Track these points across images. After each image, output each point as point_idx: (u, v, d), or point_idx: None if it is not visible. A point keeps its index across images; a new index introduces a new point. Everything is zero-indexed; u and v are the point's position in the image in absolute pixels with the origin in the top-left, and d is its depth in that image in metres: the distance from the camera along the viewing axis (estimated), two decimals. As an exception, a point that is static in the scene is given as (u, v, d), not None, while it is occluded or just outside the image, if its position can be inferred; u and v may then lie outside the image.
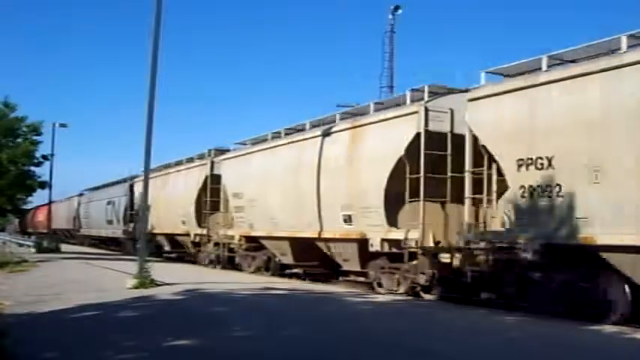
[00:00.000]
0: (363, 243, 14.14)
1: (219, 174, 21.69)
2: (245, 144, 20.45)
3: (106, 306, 10.35)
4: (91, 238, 40.88)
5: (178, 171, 25.21)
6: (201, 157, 23.76)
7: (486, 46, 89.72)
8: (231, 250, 20.84)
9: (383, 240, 13.42)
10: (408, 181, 12.87)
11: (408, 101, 13.54)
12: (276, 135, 18.59)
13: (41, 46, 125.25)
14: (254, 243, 19.29)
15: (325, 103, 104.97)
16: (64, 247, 35.08)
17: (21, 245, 37.08)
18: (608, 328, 8.79)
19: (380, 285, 14.13)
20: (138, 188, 29.67)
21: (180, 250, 26.63)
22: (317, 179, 15.42)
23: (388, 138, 13.41)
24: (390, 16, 38.28)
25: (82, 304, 10.51)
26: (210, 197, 21.79)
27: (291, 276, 18.09)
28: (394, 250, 13.45)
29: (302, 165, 16.21)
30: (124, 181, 33.06)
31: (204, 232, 22.21)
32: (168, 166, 27.21)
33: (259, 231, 18.38)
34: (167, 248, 27.38)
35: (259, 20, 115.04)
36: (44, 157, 29.22)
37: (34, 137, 27.40)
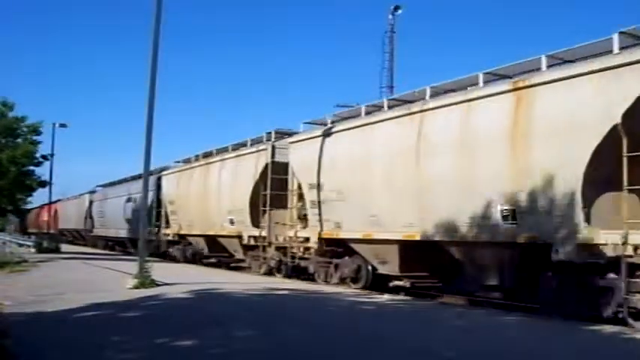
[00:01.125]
0: (533, 249, 10.15)
1: (283, 161, 17.63)
2: (322, 124, 16.35)
3: (106, 306, 10.15)
4: (106, 240, 36.52)
5: (223, 160, 21.00)
6: (257, 141, 19.63)
7: (486, 47, 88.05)
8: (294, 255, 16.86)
9: (579, 246, 9.38)
10: (625, 161, 8.89)
11: (616, 48, 9.49)
12: (374, 108, 14.55)
13: (41, 45, 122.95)
14: (337, 247, 15.24)
15: (325, 103, 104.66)
16: (64, 247, 34.13)
17: (21, 245, 36.34)
18: (609, 329, 8.50)
19: (552, 308, 10.04)
20: (167, 182, 25.71)
21: (222, 255, 22.52)
22: (456, 160, 11.41)
23: (590, 99, 9.36)
24: (390, 16, 37.67)
25: (83, 304, 10.28)
26: (272, 190, 17.72)
27: (397, 290, 14.00)
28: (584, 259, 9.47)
29: (425, 143, 12.14)
30: (150, 173, 28.85)
31: (264, 233, 18.09)
32: (208, 155, 23.07)
33: (351, 232, 14.30)
34: (204, 252, 23.22)
35: (258, 20, 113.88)
36: (44, 157, 29.10)
37: (34, 137, 27.37)
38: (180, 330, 7.86)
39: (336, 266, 15.30)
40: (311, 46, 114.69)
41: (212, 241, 22.11)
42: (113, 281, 14.59)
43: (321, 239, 15.41)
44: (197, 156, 23.95)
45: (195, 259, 23.96)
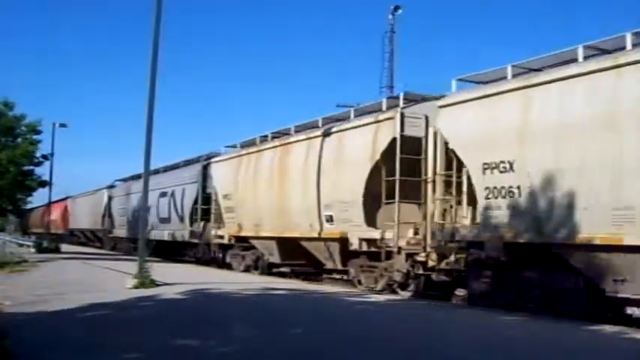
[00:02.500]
0: None
1: (414, 136, 12.74)
2: (495, 79, 11.34)
3: (106, 306, 10.03)
4: (130, 242, 31.02)
5: (312, 138, 15.96)
6: (364, 111, 14.61)
7: (486, 46, 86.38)
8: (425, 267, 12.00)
9: None
10: None
11: None
12: (599, 47, 9.61)
13: (40, 46, 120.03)
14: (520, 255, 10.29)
15: (325, 103, 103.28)
16: (64, 247, 33.71)
17: (21, 245, 35.88)
18: (608, 329, 8.42)
19: None
20: (220, 171, 20.74)
21: (299, 263, 17.57)
22: None
23: None
24: (390, 16, 37.56)
25: (82, 304, 10.15)
26: (400, 175, 12.74)
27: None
28: None
29: None
30: (191, 162, 23.88)
31: (388, 234, 13.04)
32: (283, 133, 18.05)
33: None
34: (274, 259, 18.19)
35: (258, 20, 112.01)
36: (44, 156, 28.75)
37: (34, 137, 26.97)
38: (180, 330, 7.83)
39: (529, 282, 10.33)
40: (311, 46, 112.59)
41: (289, 245, 17.05)
42: (113, 281, 14.50)
43: (505, 244, 10.44)
44: (264, 136, 18.91)
45: (258, 266, 18.98)
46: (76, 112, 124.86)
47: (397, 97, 13.58)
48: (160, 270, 15.12)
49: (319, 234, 15.22)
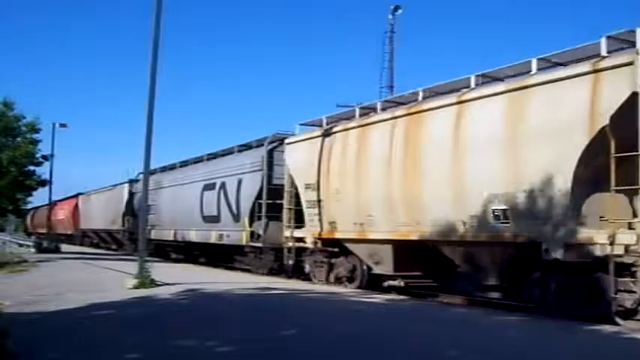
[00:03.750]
0: None
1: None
2: None
3: (106, 306, 10.09)
4: (161, 245, 26.09)
5: (463, 102, 11.18)
6: (573, 57, 10.06)
7: (486, 46, 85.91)
8: None
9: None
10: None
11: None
12: None
13: (40, 45, 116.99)
14: None
15: (325, 103, 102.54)
16: (63, 247, 33.19)
17: (21, 245, 35.62)
18: (608, 328, 8.33)
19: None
20: (293, 156, 16.48)
21: (413, 274, 13.33)
22: None
23: None
24: (390, 16, 37.24)
25: (83, 303, 10.18)
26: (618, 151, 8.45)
27: None
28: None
29: None
30: (250, 146, 19.49)
31: (623, 237, 8.69)
32: (396, 103, 13.64)
33: None
34: (381, 268, 13.76)
35: (258, 20, 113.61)
36: (44, 157, 28.45)
37: (34, 136, 26.59)
38: (180, 330, 7.77)
39: None
40: (311, 46, 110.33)
41: (411, 250, 12.77)
42: (113, 281, 14.40)
43: None
44: (366, 107, 14.49)
45: (355, 278, 14.63)
46: (77, 112, 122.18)
47: (625, 38, 9.14)
48: (160, 270, 15.09)
49: (487, 236, 10.81)
